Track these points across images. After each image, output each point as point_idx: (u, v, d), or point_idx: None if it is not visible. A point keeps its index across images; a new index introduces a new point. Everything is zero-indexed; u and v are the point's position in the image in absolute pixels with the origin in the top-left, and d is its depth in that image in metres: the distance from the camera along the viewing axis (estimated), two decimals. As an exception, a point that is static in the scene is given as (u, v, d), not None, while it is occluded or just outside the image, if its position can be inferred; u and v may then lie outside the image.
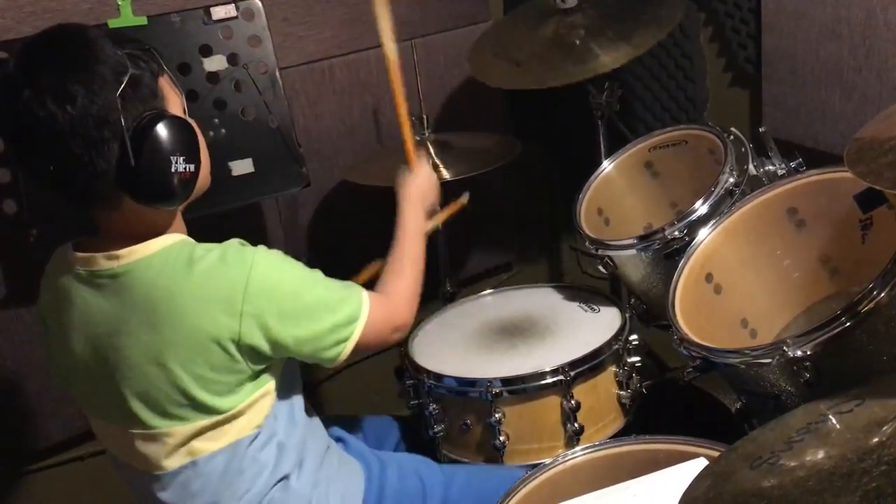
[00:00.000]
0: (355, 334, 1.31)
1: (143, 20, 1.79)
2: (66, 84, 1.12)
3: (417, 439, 1.76)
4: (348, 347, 1.31)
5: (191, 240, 1.28)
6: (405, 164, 1.71)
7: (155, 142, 1.16)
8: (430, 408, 1.69)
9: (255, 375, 1.26)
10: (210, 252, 1.23)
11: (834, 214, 1.50)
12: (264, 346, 1.23)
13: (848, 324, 1.18)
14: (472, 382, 1.63)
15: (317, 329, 1.27)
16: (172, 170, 1.19)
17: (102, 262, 1.23)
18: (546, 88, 1.91)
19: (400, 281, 1.45)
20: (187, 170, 1.21)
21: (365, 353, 1.35)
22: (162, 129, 1.17)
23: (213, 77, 1.85)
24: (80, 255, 1.25)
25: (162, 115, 1.19)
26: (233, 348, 1.21)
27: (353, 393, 2.40)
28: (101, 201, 1.21)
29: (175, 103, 1.26)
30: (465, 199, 1.81)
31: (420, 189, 1.63)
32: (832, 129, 1.95)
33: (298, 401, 1.39)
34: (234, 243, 1.25)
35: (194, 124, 1.26)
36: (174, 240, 1.25)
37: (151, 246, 1.23)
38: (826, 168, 1.50)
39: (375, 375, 2.29)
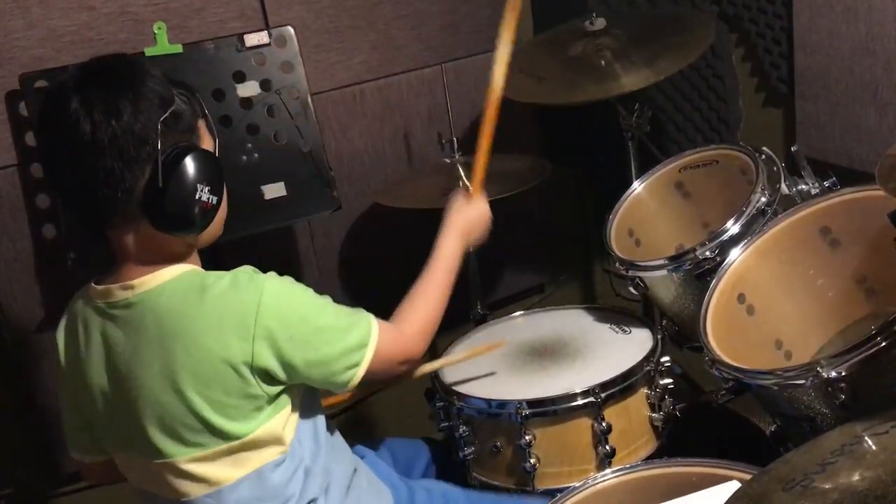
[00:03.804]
0: (366, 359, 1.31)
1: (178, 48, 1.84)
2: (117, 100, 1.18)
3: (448, 462, 1.75)
4: (359, 372, 1.31)
5: (201, 269, 1.31)
6: (463, 188, 1.64)
7: (184, 168, 1.21)
8: (461, 430, 1.68)
9: (272, 400, 1.27)
10: (221, 279, 1.25)
11: (869, 233, 1.47)
12: (277, 369, 1.24)
13: (884, 343, 1.15)
14: (501, 404, 1.62)
15: (327, 353, 1.28)
16: (196, 197, 1.22)
17: (118, 292, 1.26)
18: (569, 106, 1.92)
19: (418, 313, 1.43)
20: (210, 201, 1.25)
21: (373, 384, 1.35)
22: (193, 159, 1.22)
23: (247, 102, 1.89)
24: (98, 288, 1.29)
25: (195, 147, 1.24)
26: (246, 371, 1.22)
27: (385, 416, 2.40)
28: (119, 221, 1.24)
29: (209, 146, 1.30)
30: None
31: (470, 222, 1.57)
32: (866, 147, 1.92)
33: (321, 423, 1.40)
34: (246, 269, 1.28)
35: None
36: (186, 269, 1.28)
37: (164, 275, 1.25)
38: (860, 186, 1.48)
39: (406, 398, 2.29)
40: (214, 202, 1.26)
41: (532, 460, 1.60)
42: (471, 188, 1.63)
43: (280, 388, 1.27)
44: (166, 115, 1.20)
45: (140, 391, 1.24)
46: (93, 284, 1.30)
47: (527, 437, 1.59)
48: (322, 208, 1.96)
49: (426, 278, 1.48)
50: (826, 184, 1.61)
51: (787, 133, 2.20)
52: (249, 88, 1.89)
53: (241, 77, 1.89)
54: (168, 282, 1.25)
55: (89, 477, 1.50)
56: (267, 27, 2.02)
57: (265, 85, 1.91)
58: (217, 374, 1.22)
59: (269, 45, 1.91)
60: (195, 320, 1.22)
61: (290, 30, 1.93)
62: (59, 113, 1.18)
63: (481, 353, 1.74)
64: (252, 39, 1.90)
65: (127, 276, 1.26)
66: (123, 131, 1.17)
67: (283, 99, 1.92)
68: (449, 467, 1.74)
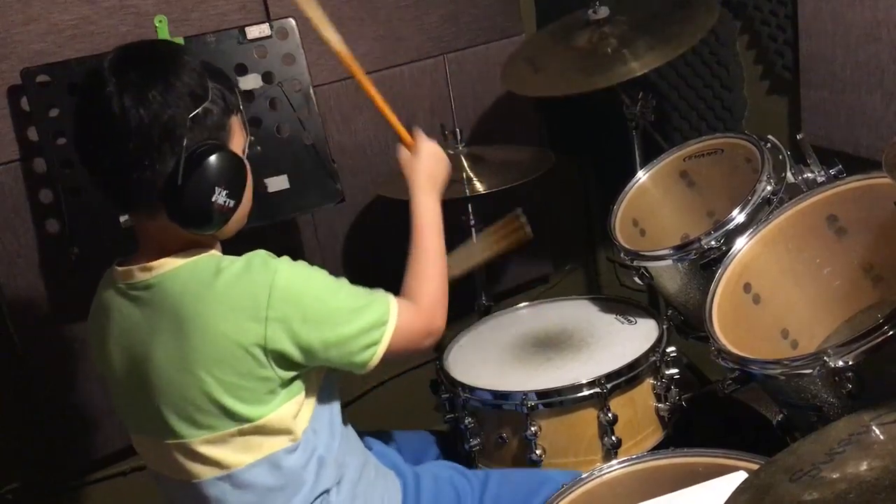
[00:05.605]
0: (385, 338, 1.30)
1: (179, 41, 1.83)
2: (147, 88, 1.18)
3: (454, 453, 1.75)
4: (379, 351, 1.30)
5: (219, 254, 1.32)
6: (400, 144, 1.58)
7: (205, 169, 1.21)
8: (466, 421, 1.68)
9: (286, 384, 1.27)
10: (235, 262, 1.26)
11: (876, 221, 1.46)
12: (293, 351, 1.24)
13: (891, 332, 1.15)
14: (507, 395, 1.62)
15: (344, 332, 1.27)
16: (212, 199, 1.22)
17: (137, 273, 1.28)
18: (577, 95, 1.91)
19: (425, 284, 1.41)
20: (227, 204, 1.24)
21: (399, 361, 1.35)
22: (216, 159, 1.22)
23: (249, 95, 1.88)
24: (120, 269, 1.30)
25: (220, 147, 1.24)
26: (260, 354, 1.23)
27: (390, 407, 2.40)
28: (143, 207, 1.26)
29: (238, 143, 1.30)
30: (527, 230, 1.68)
31: (429, 170, 1.53)
32: (873, 134, 1.91)
33: (337, 413, 1.40)
34: (260, 253, 1.28)
35: (248, 165, 1.30)
36: (203, 253, 1.29)
37: (182, 258, 1.27)
38: (866, 174, 1.47)
39: (412, 389, 2.29)
40: (231, 205, 1.25)
41: (538, 451, 1.60)
42: (405, 140, 1.58)
43: (295, 372, 1.28)
44: (197, 111, 1.20)
45: (155, 371, 1.26)
46: (116, 266, 1.32)
47: (533, 428, 1.59)
48: (325, 201, 1.96)
49: (418, 248, 1.45)
50: (832, 171, 1.59)
51: (792, 121, 2.18)
52: (251, 81, 1.89)
53: (242, 70, 1.88)
54: (185, 264, 1.26)
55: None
56: (268, 19, 2.01)
57: (267, 77, 1.90)
58: (230, 356, 1.22)
59: (270, 37, 1.91)
60: (209, 303, 1.23)
61: (292, 21, 1.92)
62: (94, 94, 1.19)
63: None
64: (253, 32, 1.89)
65: (147, 258, 1.27)
66: (150, 121, 1.18)
67: (286, 91, 1.91)
68: (454, 458, 1.74)
